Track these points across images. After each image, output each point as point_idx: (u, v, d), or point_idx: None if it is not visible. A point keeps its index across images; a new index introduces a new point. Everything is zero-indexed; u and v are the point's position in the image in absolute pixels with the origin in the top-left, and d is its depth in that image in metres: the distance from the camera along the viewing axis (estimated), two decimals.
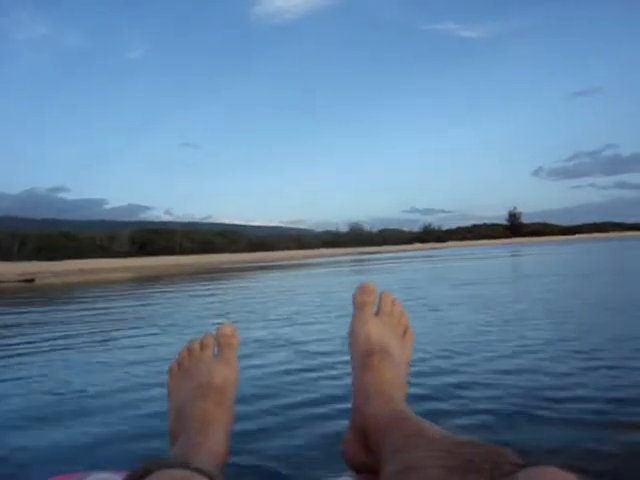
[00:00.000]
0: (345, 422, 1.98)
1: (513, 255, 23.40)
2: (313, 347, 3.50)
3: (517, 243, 72.81)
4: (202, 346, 0.85)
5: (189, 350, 0.85)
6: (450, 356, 2.98)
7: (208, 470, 0.48)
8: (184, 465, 0.46)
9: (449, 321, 4.29)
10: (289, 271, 19.26)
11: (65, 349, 4.02)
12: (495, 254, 25.77)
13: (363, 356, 0.74)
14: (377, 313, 0.81)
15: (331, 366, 2.90)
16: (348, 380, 2.56)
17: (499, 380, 2.42)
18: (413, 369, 2.57)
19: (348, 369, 2.52)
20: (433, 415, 1.92)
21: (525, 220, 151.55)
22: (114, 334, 4.71)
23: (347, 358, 2.52)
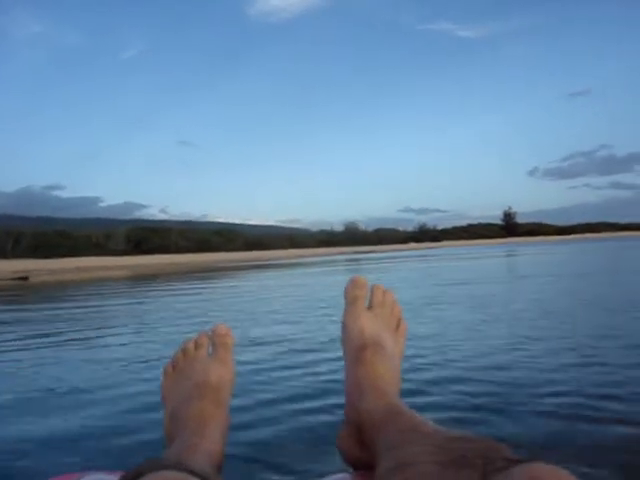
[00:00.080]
0: (326, 417, 1.94)
1: (508, 255, 23.46)
2: (299, 345, 3.50)
3: (512, 243, 73.06)
4: (197, 346, 0.84)
5: (184, 351, 0.84)
6: (444, 352, 3.00)
7: (203, 471, 0.47)
8: (178, 466, 0.46)
9: (444, 319, 4.29)
10: (284, 270, 19.26)
11: (48, 347, 4.01)
12: (490, 254, 25.82)
13: (356, 350, 0.74)
14: (369, 306, 0.80)
15: (316, 363, 2.91)
16: (329, 377, 2.56)
17: (492, 376, 2.43)
18: (407, 363, 2.58)
19: (331, 366, 2.53)
20: (424, 409, 1.93)
21: (520, 220, 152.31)
22: (101, 332, 4.71)
23: (333, 355, 2.53)
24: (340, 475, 0.62)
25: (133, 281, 16.12)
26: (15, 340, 4.44)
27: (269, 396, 2.30)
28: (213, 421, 0.71)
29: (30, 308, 8.14)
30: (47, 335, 4.65)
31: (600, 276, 8.47)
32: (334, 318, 4.52)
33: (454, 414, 1.94)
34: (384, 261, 22.90)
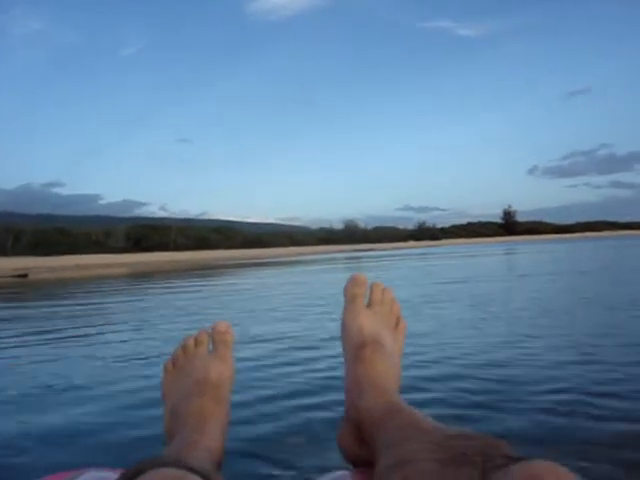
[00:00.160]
0: (325, 413, 1.94)
1: (508, 253, 23.48)
2: (298, 342, 3.51)
3: (512, 241, 73.04)
4: (197, 343, 0.85)
5: (184, 348, 0.84)
6: (443, 349, 3.00)
7: (203, 468, 0.47)
8: (178, 464, 0.46)
9: (443, 317, 4.29)
10: (283, 268, 19.26)
11: (47, 344, 4.02)
12: (490, 252, 25.84)
13: (355, 349, 0.74)
14: (368, 304, 0.80)
15: (315, 360, 2.93)
16: (328, 373, 2.57)
17: (491, 373, 2.44)
18: (406, 360, 2.58)
19: (331, 363, 2.54)
20: (423, 405, 1.94)
21: (520, 218, 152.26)
22: (100, 329, 4.71)
23: (332, 352, 2.53)
24: (340, 472, 0.62)
25: (132, 278, 16.12)
26: (14, 337, 4.44)
27: (269, 392, 2.30)
28: (213, 418, 0.71)
29: (30, 305, 8.14)
30: (47, 332, 4.66)
31: (600, 274, 8.48)
32: (333, 316, 4.52)
33: (454, 411, 1.94)
34: (383, 259, 22.91)
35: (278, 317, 4.90)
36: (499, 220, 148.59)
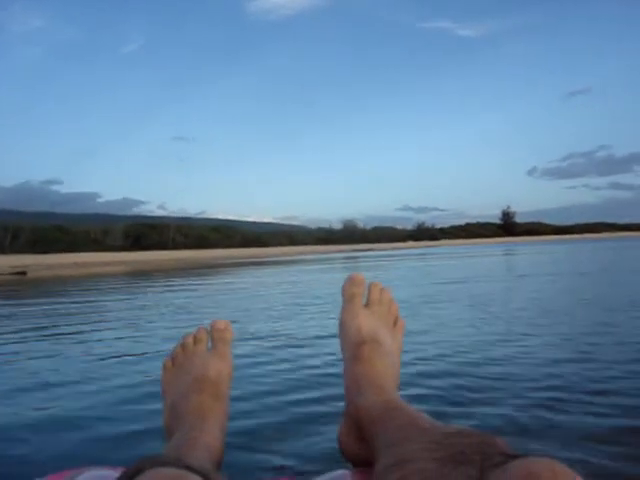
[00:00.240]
0: (321, 408, 1.94)
1: (507, 254, 23.50)
2: (294, 340, 3.52)
3: (510, 242, 73.14)
4: (196, 340, 0.85)
5: (183, 345, 0.84)
6: (441, 347, 3.01)
7: (203, 467, 0.47)
8: (177, 463, 0.46)
9: (442, 317, 4.30)
10: (282, 267, 19.27)
11: (45, 340, 4.01)
12: (489, 253, 25.86)
13: (354, 347, 0.74)
14: (366, 304, 0.81)
15: (312, 357, 2.95)
16: (320, 370, 2.58)
17: (488, 370, 2.45)
18: (403, 358, 2.58)
19: (315, 361, 2.54)
20: (419, 400, 1.96)
21: (519, 219, 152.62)
22: (97, 326, 4.71)
23: (329, 350, 2.53)
24: (340, 471, 0.63)
25: (131, 277, 16.12)
26: (12, 333, 4.45)
27: (264, 388, 2.32)
28: (212, 416, 0.71)
29: (28, 303, 8.14)
30: (44, 328, 4.67)
31: (599, 276, 8.49)
32: (332, 315, 4.53)
33: (450, 407, 1.95)
34: (382, 259, 22.91)
35: (274, 316, 4.90)
36: (498, 221, 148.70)
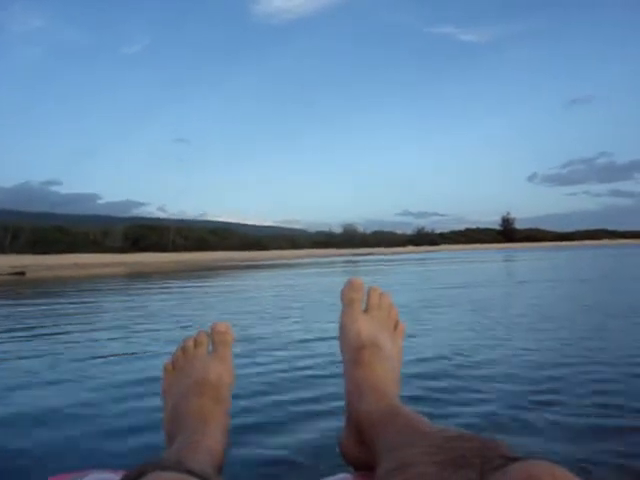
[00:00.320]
0: (315, 406, 1.93)
1: (506, 260, 23.51)
2: (292, 341, 3.54)
3: (510, 248, 73.13)
4: (196, 344, 0.85)
5: (183, 349, 0.84)
6: (441, 348, 3.02)
7: (204, 471, 0.47)
8: (178, 466, 0.46)
9: (441, 322, 4.30)
10: (280, 270, 19.27)
11: (42, 339, 4.04)
12: (489, 258, 25.87)
13: (354, 352, 0.74)
14: (366, 309, 0.80)
15: (307, 357, 2.99)
16: (310, 372, 2.58)
17: (488, 371, 2.47)
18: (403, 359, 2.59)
19: (306, 362, 2.55)
20: (418, 401, 1.97)
21: (518, 226, 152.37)
22: (94, 326, 4.72)
23: (325, 351, 2.52)
24: (341, 475, 0.63)
25: (130, 278, 16.12)
26: (9, 332, 4.46)
27: (260, 388, 2.35)
28: (213, 419, 0.71)
29: (26, 303, 8.13)
30: (41, 327, 4.70)
31: (599, 283, 8.49)
32: (330, 317, 4.53)
33: (450, 409, 1.96)
34: (382, 264, 22.91)
35: (273, 316, 4.92)
36: (498, 227, 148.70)
